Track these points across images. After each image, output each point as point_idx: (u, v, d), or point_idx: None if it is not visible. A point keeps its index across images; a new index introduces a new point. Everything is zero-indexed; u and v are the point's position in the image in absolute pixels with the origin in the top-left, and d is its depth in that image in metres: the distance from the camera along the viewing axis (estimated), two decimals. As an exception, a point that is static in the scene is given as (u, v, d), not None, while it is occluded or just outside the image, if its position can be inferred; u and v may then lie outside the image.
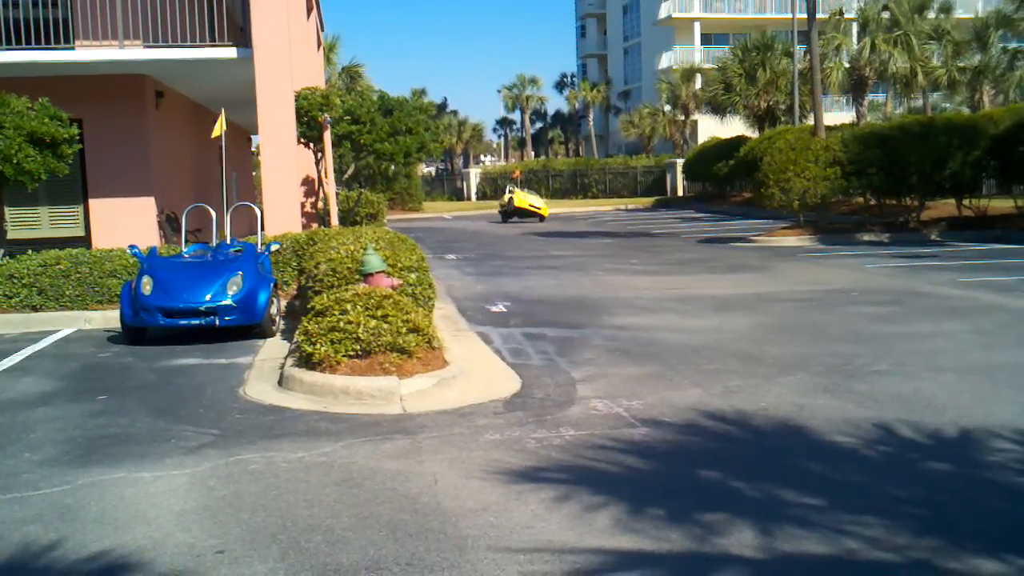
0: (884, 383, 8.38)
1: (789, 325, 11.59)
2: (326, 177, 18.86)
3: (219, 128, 14.01)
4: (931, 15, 38.49)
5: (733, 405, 7.71)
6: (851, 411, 7.42)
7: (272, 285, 11.63)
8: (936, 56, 37.59)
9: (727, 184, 41.27)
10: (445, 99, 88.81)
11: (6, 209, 15.36)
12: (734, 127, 43.73)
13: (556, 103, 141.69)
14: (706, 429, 7.10)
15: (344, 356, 8.37)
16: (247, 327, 11.16)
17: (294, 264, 13.95)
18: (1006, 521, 5.23)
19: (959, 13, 47.89)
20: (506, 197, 36.47)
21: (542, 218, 35.37)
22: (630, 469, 6.24)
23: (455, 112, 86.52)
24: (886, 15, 36.72)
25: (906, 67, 35.32)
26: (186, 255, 12.28)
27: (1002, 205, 25.33)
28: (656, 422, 7.23)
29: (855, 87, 36.83)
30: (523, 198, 35.84)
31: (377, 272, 10.02)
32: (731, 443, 6.85)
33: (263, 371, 9.38)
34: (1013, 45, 38.31)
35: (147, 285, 10.96)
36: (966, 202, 24.82)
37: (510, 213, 35.91)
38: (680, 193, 49.24)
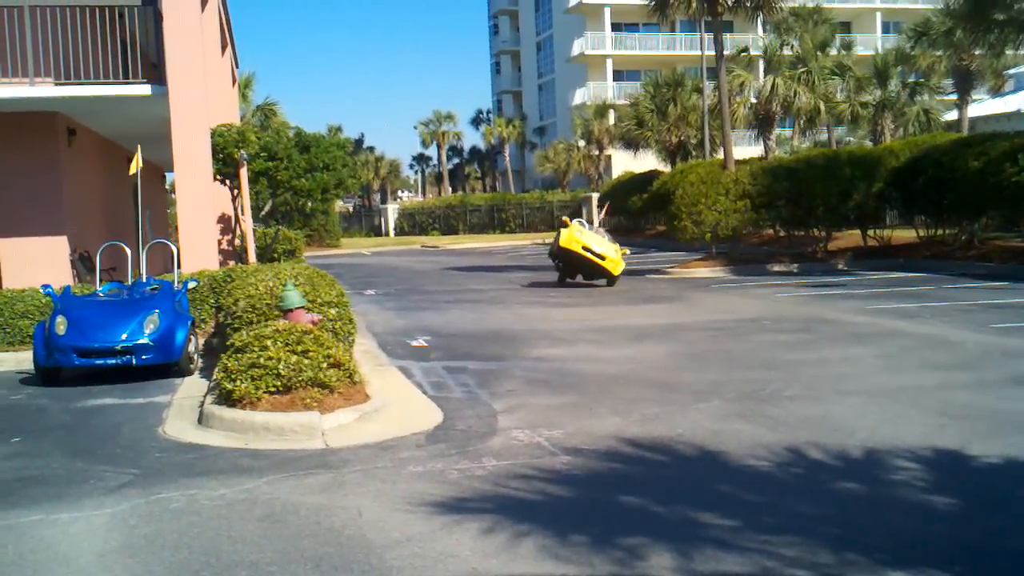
0: (795, 407, 8.65)
1: (703, 353, 11.86)
2: (243, 214, 18.75)
3: (135, 165, 13.87)
4: (833, 52, 39.74)
5: (651, 432, 7.88)
6: (764, 435, 7.64)
7: (190, 323, 11.52)
8: (839, 91, 38.80)
9: (641, 217, 41.93)
10: (362, 135, 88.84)
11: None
12: (647, 161, 44.51)
13: (472, 139, 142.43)
14: (625, 456, 7.25)
15: (265, 392, 8.35)
16: (165, 366, 11.03)
17: (211, 302, 13.82)
18: (913, 535, 5.46)
19: (860, 50, 49.61)
20: (563, 232, 21.16)
21: (609, 278, 20.91)
22: (552, 497, 6.35)
23: (372, 148, 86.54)
24: (790, 52, 37.84)
25: (810, 102, 36.37)
26: (101, 294, 12.10)
27: (905, 235, 26.22)
28: (577, 450, 7.37)
29: (762, 122, 37.78)
30: (578, 236, 20.65)
31: (297, 308, 10.02)
32: (649, 469, 7.01)
33: (182, 409, 9.29)
34: (912, 80, 39.81)
35: (61, 325, 10.77)
36: (871, 232, 25.63)
37: (561, 260, 21.59)
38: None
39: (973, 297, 16.64)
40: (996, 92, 45.12)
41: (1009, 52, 25.09)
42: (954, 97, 39.79)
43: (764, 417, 8.29)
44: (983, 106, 43.29)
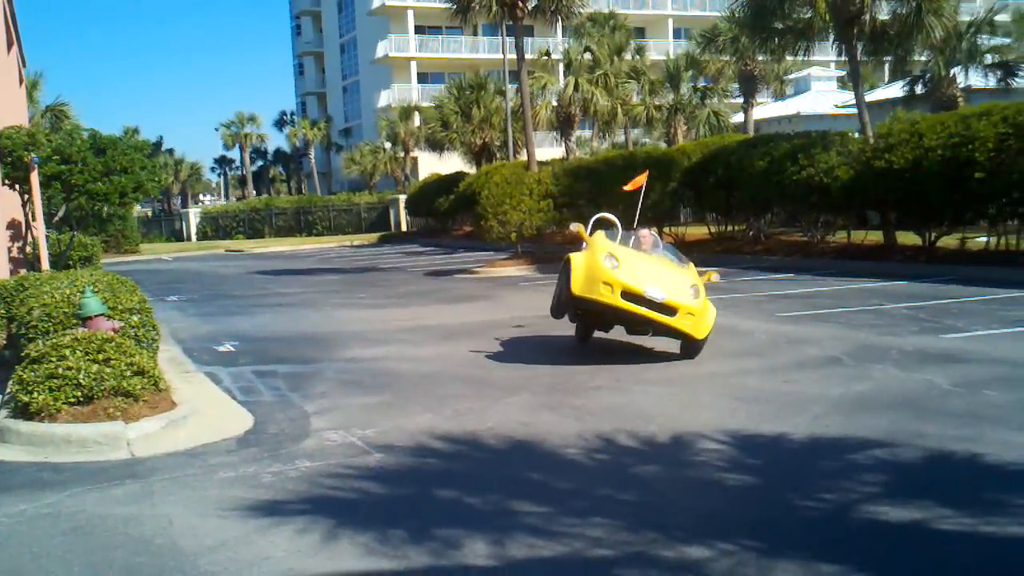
0: (600, 397, 9.03)
1: (511, 350, 12.16)
2: (34, 220, 17.87)
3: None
4: (629, 56, 41.22)
5: (463, 427, 8.06)
6: (571, 425, 7.96)
7: (-22, 335, 10.93)
8: (635, 95, 40.29)
9: (449, 218, 42.26)
10: (161, 138, 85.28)
11: None
12: (453, 163, 44.91)
13: (277, 141, 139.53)
14: (438, 451, 7.40)
15: (65, 403, 8.05)
16: (-49, 381, 10.42)
17: (2, 312, 13.13)
18: (709, 512, 5.85)
19: (653, 55, 51.68)
20: (575, 261, 11.01)
21: (687, 342, 10.88)
22: (367, 494, 6.43)
23: (171, 151, 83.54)
24: (588, 56, 39.00)
25: (608, 105, 37.59)
26: None
27: (698, 232, 27.52)
28: (390, 448, 7.46)
29: (563, 124, 38.80)
30: (609, 268, 10.58)
31: (97, 315, 9.68)
32: (462, 462, 7.19)
33: (-27, 426, 8.82)
34: (702, 84, 41.77)
35: None
36: (667, 229, 26.75)
37: (582, 313, 11.59)
38: (404, 228, 49.91)
39: (761, 288, 17.67)
40: (778, 96, 47.92)
41: (789, 58, 26.66)
42: (740, 100, 42.01)
43: (571, 408, 8.62)
44: (767, 108, 45.95)
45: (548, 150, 45.07)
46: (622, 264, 10.47)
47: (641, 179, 12.87)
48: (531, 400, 9.03)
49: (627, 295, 10.33)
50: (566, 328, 12.64)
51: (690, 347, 10.82)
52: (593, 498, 6.12)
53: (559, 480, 6.58)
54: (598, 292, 10.40)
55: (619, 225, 12.14)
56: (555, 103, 39.13)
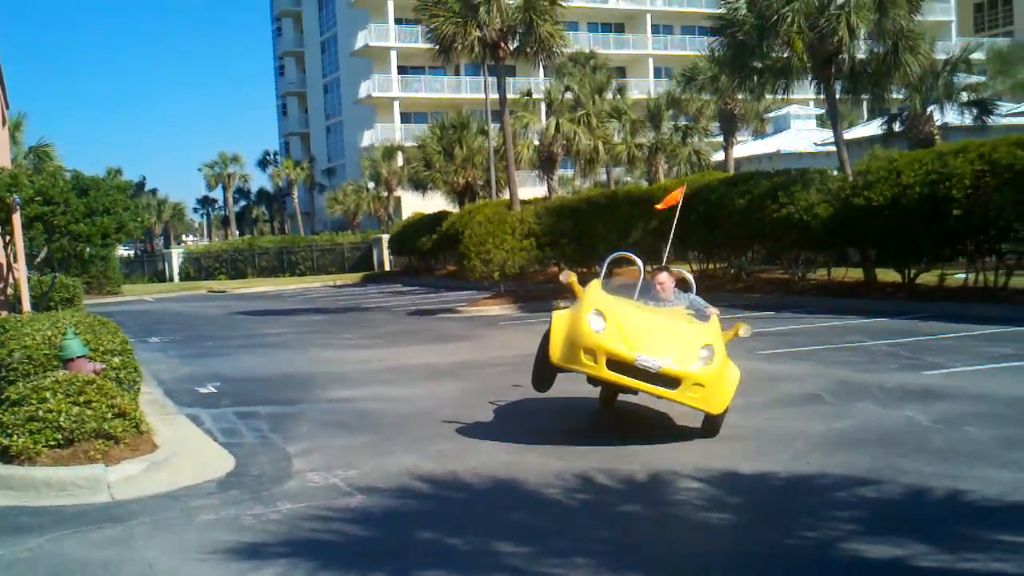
0: (587, 437, 9.03)
1: (494, 388, 12.16)
2: (16, 261, 17.82)
3: None
4: (609, 96, 41.56)
5: (445, 467, 8.05)
6: (553, 464, 7.96)
7: (-42, 378, 10.85)
8: (617, 134, 40.55)
9: (432, 257, 42.34)
10: (143, 178, 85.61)
11: None
12: (436, 202, 45.05)
13: (260, 181, 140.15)
14: (420, 492, 7.39)
15: (44, 446, 8.00)
16: (-70, 425, 10.33)
17: (-19, 355, 13.05)
18: (693, 549, 5.85)
19: (635, 94, 52.19)
20: (557, 321, 9.00)
21: (707, 419, 8.78)
22: (349, 536, 6.41)
23: (155, 191, 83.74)
24: (569, 96, 39.31)
25: (589, 144, 37.84)
26: None
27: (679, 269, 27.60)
28: (372, 489, 7.45)
29: (545, 163, 39.01)
30: (595, 331, 8.51)
31: (78, 357, 9.64)
32: (444, 503, 7.18)
33: (-49, 470, 8.75)
34: (683, 123, 42.10)
35: None
36: (648, 268, 26.81)
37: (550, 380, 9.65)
38: (387, 268, 49.93)
39: (743, 326, 17.73)
40: (758, 134, 48.37)
41: (768, 96, 26.92)
42: (720, 139, 42.36)
43: (553, 447, 8.62)
44: (747, 147, 46.31)
45: (530, 189, 45.34)
46: (610, 324, 8.40)
47: (677, 195, 10.95)
48: (514, 444, 9.04)
49: (614, 364, 8.29)
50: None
51: (707, 423, 8.75)
52: (574, 538, 6.12)
53: (543, 519, 6.58)
54: (579, 361, 8.40)
55: (640, 265, 10.17)
56: (537, 142, 39.37)
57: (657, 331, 8.53)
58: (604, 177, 47.18)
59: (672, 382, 8.26)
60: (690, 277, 10.22)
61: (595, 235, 25.02)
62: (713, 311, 9.14)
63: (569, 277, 9.54)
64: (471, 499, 7.24)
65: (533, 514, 6.73)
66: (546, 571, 5.48)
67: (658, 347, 8.30)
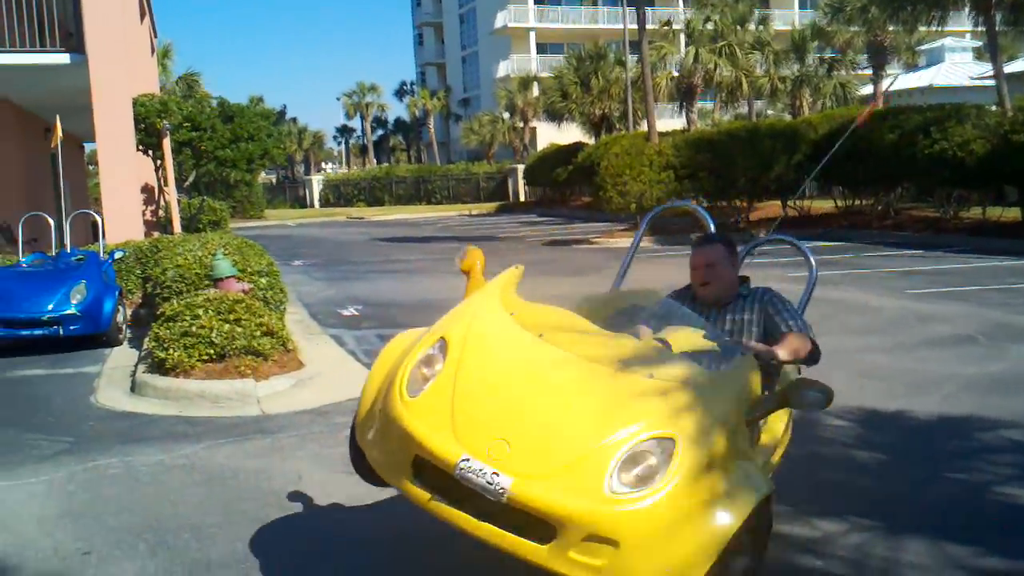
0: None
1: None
2: (166, 185, 18.52)
3: (56, 138, 13.64)
4: (752, 27, 40.39)
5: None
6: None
7: (117, 293, 11.38)
8: (759, 65, 39.45)
9: (567, 189, 42.22)
10: (284, 107, 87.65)
11: None
12: (571, 134, 44.77)
13: (397, 110, 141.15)
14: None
15: (198, 360, 8.35)
16: (93, 336, 10.90)
17: (138, 272, 13.66)
18: (838, 487, 5.73)
19: (778, 25, 50.51)
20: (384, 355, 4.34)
21: None
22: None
23: (295, 120, 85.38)
24: (710, 26, 38.32)
25: (731, 76, 36.94)
26: (24, 265, 11.90)
27: (823, 205, 26.88)
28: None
29: (684, 95, 38.27)
30: (415, 412, 3.64)
31: (228, 277, 10.01)
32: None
33: (113, 379, 9.23)
34: (829, 55, 40.63)
35: (-16, 296, 10.55)
36: (791, 203, 26.21)
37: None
38: (522, 198, 50.03)
39: (889, 264, 17.17)
40: (910, 67, 46.30)
41: (922, 28, 25.73)
42: (869, 72, 40.73)
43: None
44: (897, 80, 44.41)
45: (668, 121, 44.55)
46: (445, 375, 3.81)
47: (867, 112, 9.05)
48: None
49: (424, 473, 3.64)
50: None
51: None
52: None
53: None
54: (375, 457, 3.92)
55: (707, 219, 6.10)
56: (676, 74, 38.62)
57: (540, 394, 3.67)
58: (745, 110, 46.03)
59: (536, 527, 3.36)
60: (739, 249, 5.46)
61: (735, 168, 24.49)
62: (792, 342, 4.58)
63: (469, 256, 4.84)
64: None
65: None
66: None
67: (520, 435, 3.51)
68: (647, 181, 24.18)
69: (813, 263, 5.78)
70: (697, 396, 3.60)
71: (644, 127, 31.13)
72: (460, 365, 3.78)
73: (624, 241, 24.20)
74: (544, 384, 3.70)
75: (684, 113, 39.04)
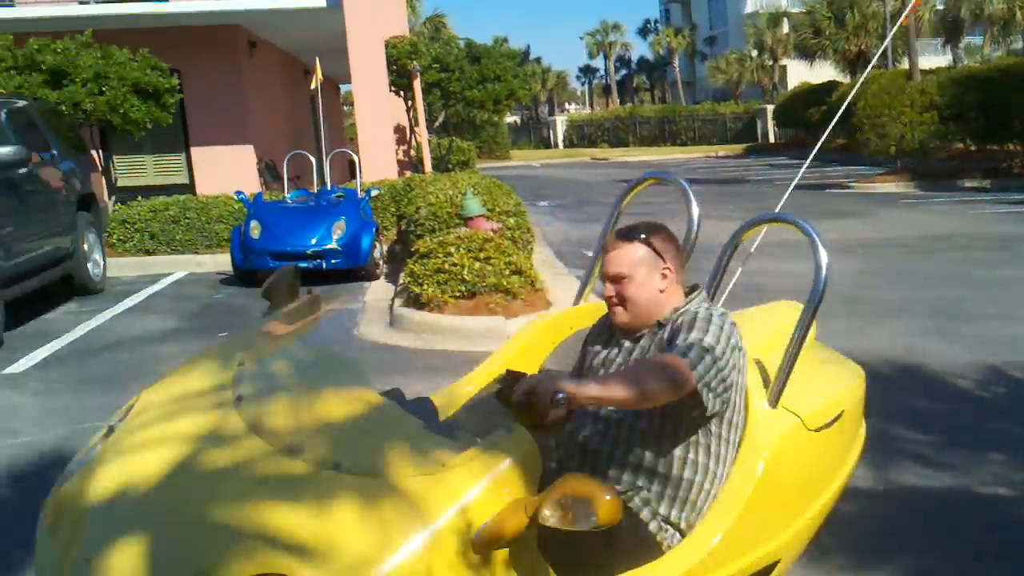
0: (992, 327, 8.29)
1: (893, 269, 11.46)
2: (417, 125, 19.07)
3: (316, 79, 14.26)
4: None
5: (841, 347, 7.69)
6: (960, 353, 7.37)
7: (375, 229, 11.85)
8: (1038, -5, 36.29)
9: (819, 130, 40.45)
10: (528, 47, 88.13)
11: (114, 157, 15.86)
12: (824, 72, 42.77)
13: (640, 49, 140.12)
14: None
15: (451, 297, 8.57)
16: (352, 270, 11.42)
17: (392, 210, 14.18)
18: None
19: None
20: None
21: None
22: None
23: (538, 60, 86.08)
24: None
25: (1003, 7, 34.15)
26: (289, 201, 12.57)
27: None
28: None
29: (949, 30, 35.79)
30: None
31: (477, 216, 10.19)
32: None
33: (371, 312, 9.63)
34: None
35: (255, 229, 11.28)
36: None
37: None
38: (771, 140, 48.41)
39: None
40: None
41: None
42: None
43: (960, 335, 7.99)
44: None
45: (930, 59, 41.81)
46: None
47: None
48: (915, 324, 8.49)
49: None
50: (952, 251, 11.63)
51: None
52: (983, 432, 5.65)
53: (946, 410, 6.14)
54: None
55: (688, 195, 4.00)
56: (940, 7, 36.11)
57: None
58: (1019, 45, 42.51)
59: None
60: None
61: (1009, 109, 22.61)
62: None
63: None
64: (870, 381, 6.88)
65: (936, 402, 6.29)
66: (953, 464, 5.12)
67: None
68: (908, 122, 22.78)
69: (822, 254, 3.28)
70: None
71: (904, 65, 29.35)
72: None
73: (883, 186, 22.96)
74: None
75: (949, 49, 36.52)
